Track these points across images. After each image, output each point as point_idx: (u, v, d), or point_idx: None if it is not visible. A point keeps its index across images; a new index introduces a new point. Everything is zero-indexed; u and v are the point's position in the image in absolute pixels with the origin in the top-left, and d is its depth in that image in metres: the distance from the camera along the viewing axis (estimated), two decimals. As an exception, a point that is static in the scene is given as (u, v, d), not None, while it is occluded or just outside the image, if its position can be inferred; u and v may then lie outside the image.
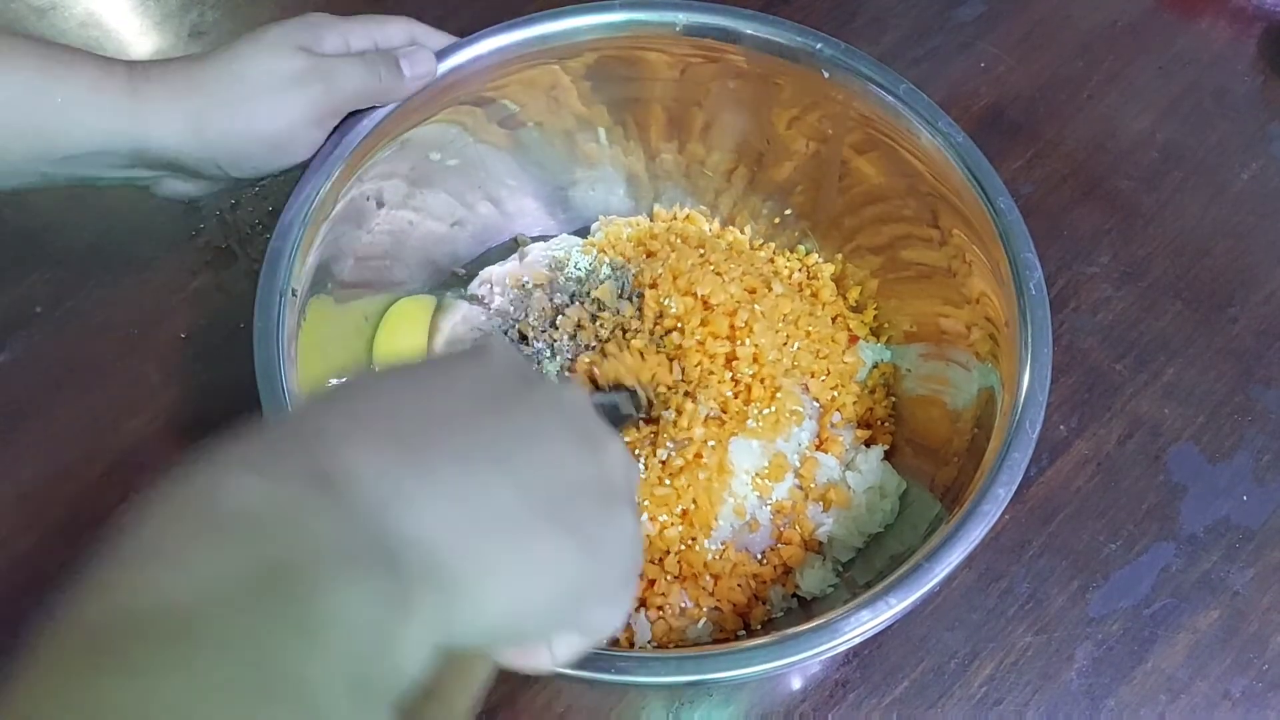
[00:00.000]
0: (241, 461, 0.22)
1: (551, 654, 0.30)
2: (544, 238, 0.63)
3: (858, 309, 0.60)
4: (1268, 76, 0.73)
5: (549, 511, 0.26)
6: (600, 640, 0.31)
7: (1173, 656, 0.53)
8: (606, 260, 0.57)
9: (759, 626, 0.49)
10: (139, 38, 0.75)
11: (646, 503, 0.48)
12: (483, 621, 0.24)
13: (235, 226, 0.65)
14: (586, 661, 0.38)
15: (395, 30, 0.51)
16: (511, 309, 0.57)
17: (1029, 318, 0.46)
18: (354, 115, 0.50)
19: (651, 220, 0.64)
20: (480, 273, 0.61)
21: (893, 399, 0.57)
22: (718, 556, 0.49)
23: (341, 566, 0.20)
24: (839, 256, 0.61)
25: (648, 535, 0.47)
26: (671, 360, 0.53)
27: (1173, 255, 0.66)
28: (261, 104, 0.46)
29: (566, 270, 0.58)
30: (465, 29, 0.54)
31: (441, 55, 0.52)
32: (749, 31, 0.54)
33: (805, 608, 0.50)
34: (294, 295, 0.46)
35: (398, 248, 0.58)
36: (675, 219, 0.64)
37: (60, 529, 0.54)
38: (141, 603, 0.19)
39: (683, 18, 0.54)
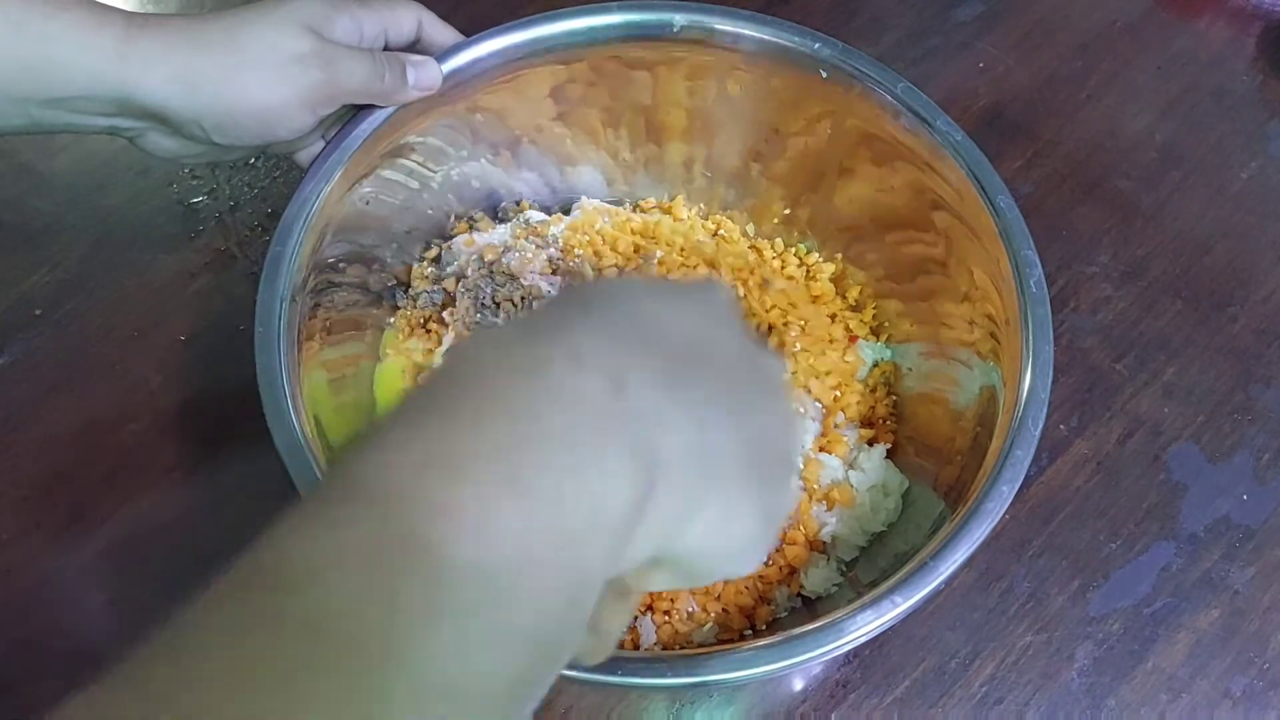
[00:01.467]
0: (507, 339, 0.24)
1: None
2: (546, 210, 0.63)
3: (857, 308, 0.60)
4: (1266, 76, 0.73)
5: (757, 472, 0.27)
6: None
7: (1173, 655, 0.53)
8: (578, 253, 0.57)
9: (764, 627, 0.49)
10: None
11: None
12: (676, 552, 0.25)
13: (235, 229, 0.65)
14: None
15: (404, 16, 0.51)
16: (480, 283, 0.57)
17: (1029, 315, 0.46)
18: (353, 119, 0.50)
19: (635, 210, 0.64)
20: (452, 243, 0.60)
21: (894, 398, 0.57)
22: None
23: (618, 437, 0.22)
24: (838, 256, 0.61)
25: None
26: None
27: (1172, 255, 0.66)
28: (257, 76, 0.45)
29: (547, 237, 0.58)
30: (464, 27, 0.54)
31: (443, 57, 0.52)
32: (747, 32, 0.54)
33: (809, 607, 0.50)
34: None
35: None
36: (658, 208, 0.63)
37: (61, 532, 0.54)
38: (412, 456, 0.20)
39: (680, 18, 0.54)
